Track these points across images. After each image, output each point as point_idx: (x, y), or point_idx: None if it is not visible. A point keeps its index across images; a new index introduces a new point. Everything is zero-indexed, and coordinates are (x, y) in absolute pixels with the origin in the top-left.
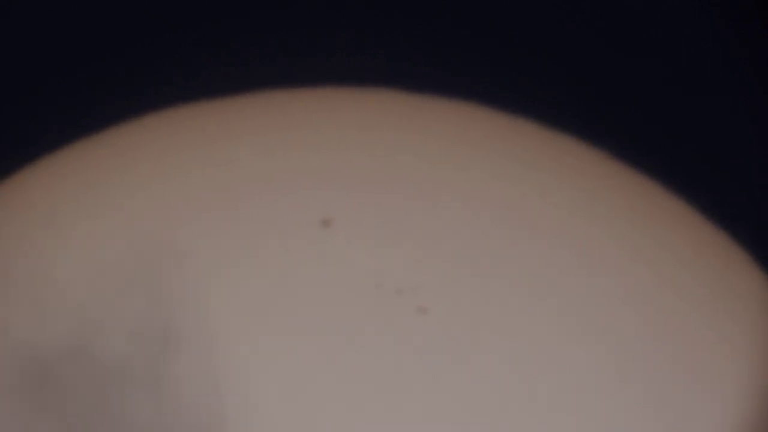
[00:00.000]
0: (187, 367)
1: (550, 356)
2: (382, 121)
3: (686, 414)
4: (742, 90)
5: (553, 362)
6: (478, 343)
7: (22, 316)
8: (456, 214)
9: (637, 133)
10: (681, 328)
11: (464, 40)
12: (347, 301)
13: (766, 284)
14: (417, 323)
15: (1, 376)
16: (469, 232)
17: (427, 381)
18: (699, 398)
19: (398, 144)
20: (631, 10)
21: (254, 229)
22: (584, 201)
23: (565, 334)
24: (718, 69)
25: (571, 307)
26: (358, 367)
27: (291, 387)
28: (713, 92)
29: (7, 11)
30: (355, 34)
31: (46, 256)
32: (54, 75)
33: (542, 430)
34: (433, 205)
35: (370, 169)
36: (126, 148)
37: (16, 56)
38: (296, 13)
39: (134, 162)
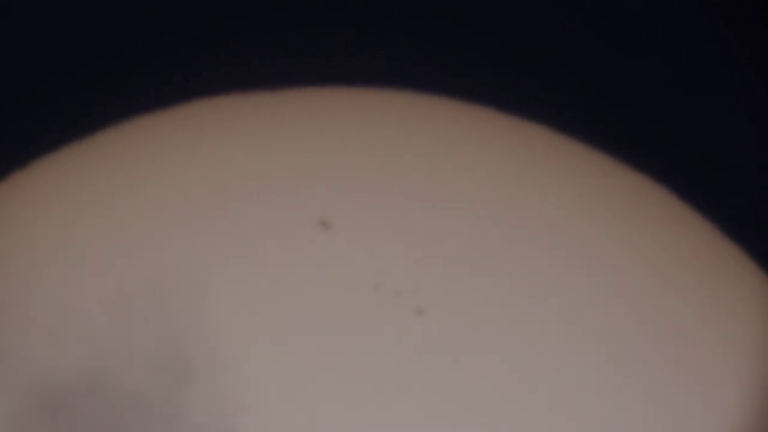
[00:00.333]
0: (200, 393)
1: (550, 357)
2: (382, 121)
3: (686, 414)
4: (742, 90)
5: (552, 363)
6: (477, 344)
7: (38, 346)
8: (455, 215)
9: (637, 133)
10: (681, 328)
11: (464, 40)
12: (346, 302)
13: (766, 284)
14: (416, 324)
15: (17, 406)
16: (468, 233)
17: (426, 381)
18: (699, 398)
19: (398, 144)
20: (631, 10)
21: (253, 228)
22: (583, 201)
23: (564, 334)
24: (718, 69)
25: (571, 308)
26: (357, 368)
27: (289, 387)
28: (713, 92)
29: (7, 11)
30: (355, 34)
31: (46, 257)
32: (54, 75)
33: (542, 431)
34: (432, 206)
35: (370, 170)
36: (125, 147)
37: (16, 56)
38: (296, 13)
39: (134, 162)
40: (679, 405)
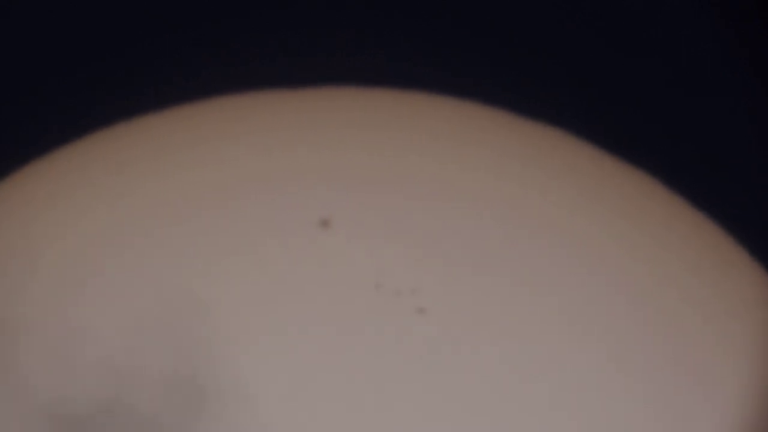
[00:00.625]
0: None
1: (550, 356)
2: (382, 121)
3: (686, 414)
4: (742, 90)
5: (552, 362)
6: (478, 344)
7: (51, 371)
8: (455, 214)
9: (637, 133)
10: (681, 327)
11: (464, 40)
12: (346, 302)
13: (767, 284)
14: (416, 323)
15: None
16: (468, 232)
17: (426, 381)
18: (699, 398)
19: (398, 144)
20: (631, 10)
21: (253, 228)
22: (583, 200)
23: (564, 333)
24: (718, 69)
25: (571, 307)
26: (358, 368)
27: (289, 387)
28: (713, 92)
29: (7, 11)
30: (355, 34)
31: (46, 257)
32: (54, 75)
33: (542, 431)
34: (432, 206)
35: (370, 170)
36: (125, 147)
37: (16, 56)
38: (296, 13)
39: (134, 162)
40: (679, 405)
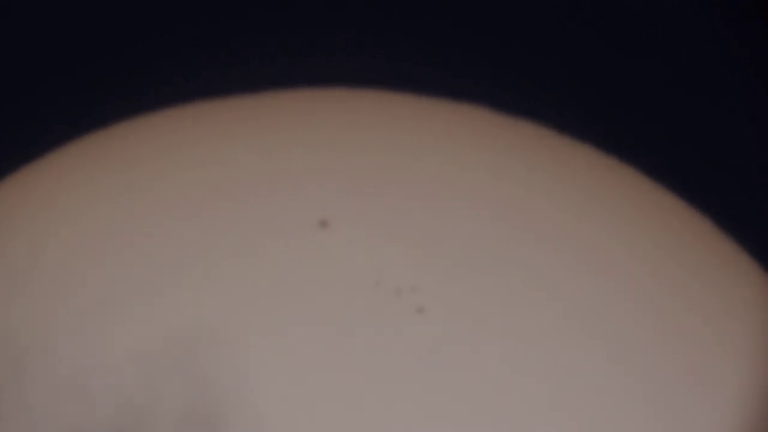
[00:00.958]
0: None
1: (551, 357)
2: (382, 121)
3: (686, 414)
4: (742, 90)
5: (553, 363)
6: (478, 344)
7: (67, 403)
8: (455, 215)
9: (637, 133)
10: (681, 328)
11: (464, 40)
12: (346, 302)
13: (767, 284)
14: (416, 323)
15: None
16: (468, 233)
17: (426, 381)
18: (700, 399)
19: (398, 144)
20: (631, 10)
21: (253, 229)
22: (583, 200)
23: (564, 333)
24: (718, 69)
25: (571, 307)
26: (358, 368)
27: (289, 387)
28: (713, 92)
29: (7, 11)
30: (355, 34)
31: (45, 256)
32: (54, 75)
33: (542, 431)
34: (432, 206)
35: (369, 170)
36: (126, 147)
37: (16, 56)
38: (296, 13)
39: (134, 162)
40: (679, 405)
